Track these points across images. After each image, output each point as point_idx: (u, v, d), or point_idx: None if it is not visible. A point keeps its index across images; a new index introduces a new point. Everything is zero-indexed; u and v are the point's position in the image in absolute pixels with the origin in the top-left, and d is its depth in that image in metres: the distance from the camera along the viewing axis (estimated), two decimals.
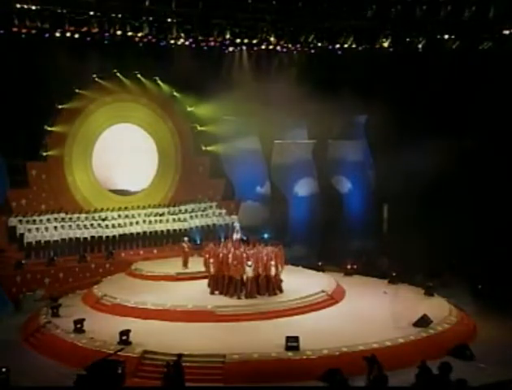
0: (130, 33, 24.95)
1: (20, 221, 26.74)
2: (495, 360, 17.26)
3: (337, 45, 27.74)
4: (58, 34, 24.36)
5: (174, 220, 29.99)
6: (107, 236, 28.14)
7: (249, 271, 21.51)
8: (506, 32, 25.40)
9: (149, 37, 25.68)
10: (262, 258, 21.93)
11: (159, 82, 30.78)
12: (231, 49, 29.17)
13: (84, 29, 24.25)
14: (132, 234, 28.78)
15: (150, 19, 24.72)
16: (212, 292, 22.25)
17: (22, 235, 26.45)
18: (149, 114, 31.01)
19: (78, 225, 27.71)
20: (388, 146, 28.87)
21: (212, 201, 32.06)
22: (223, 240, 25.26)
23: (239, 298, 21.53)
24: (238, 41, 27.03)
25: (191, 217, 30.41)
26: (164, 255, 28.09)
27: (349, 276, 26.13)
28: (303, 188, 34.18)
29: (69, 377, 14.29)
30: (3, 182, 26.54)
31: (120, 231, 28.51)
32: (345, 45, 27.48)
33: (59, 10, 23.29)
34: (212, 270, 22.36)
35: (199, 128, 32.14)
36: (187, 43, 26.79)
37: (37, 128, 27.63)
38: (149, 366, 16.92)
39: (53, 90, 26.91)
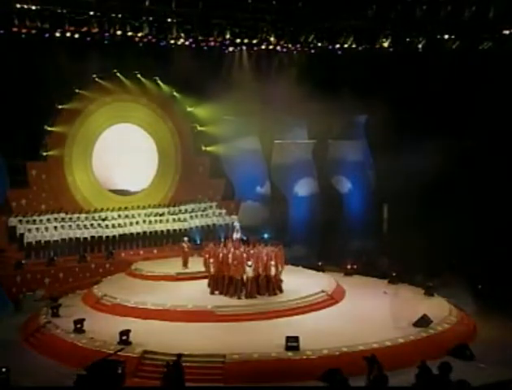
0: (130, 33, 24.99)
1: (20, 221, 26.74)
2: (495, 360, 17.25)
3: (337, 45, 27.79)
4: (58, 34, 24.40)
5: (174, 220, 29.99)
6: (107, 236, 28.14)
7: (249, 271, 21.50)
8: (506, 32, 25.44)
9: (149, 37, 25.71)
10: (262, 258, 21.92)
11: (159, 82, 30.78)
12: (231, 49, 29.21)
13: (84, 29, 24.30)
14: (132, 234, 28.78)
15: (150, 19, 24.75)
16: (212, 292, 22.25)
17: (22, 235, 26.45)
18: (149, 114, 31.02)
19: (78, 225, 27.71)
20: (388, 146, 28.84)
21: (212, 201, 32.06)
22: (223, 240, 25.26)
23: (239, 298, 21.51)
24: (238, 41, 27.09)
25: (191, 217, 30.42)
26: (164, 255, 28.08)
27: (349, 276, 26.11)
28: (303, 188, 34.19)
29: (69, 377, 14.27)
30: (3, 182, 26.54)
31: (120, 231, 28.51)
32: (345, 45, 27.52)
33: (59, 10, 23.34)
34: (212, 270, 22.36)
35: (199, 128, 32.15)
36: (187, 43, 26.83)
37: (37, 128, 27.64)
38: (149, 366, 16.91)
39: (53, 90, 26.91)
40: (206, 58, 28.60)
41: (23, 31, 23.66)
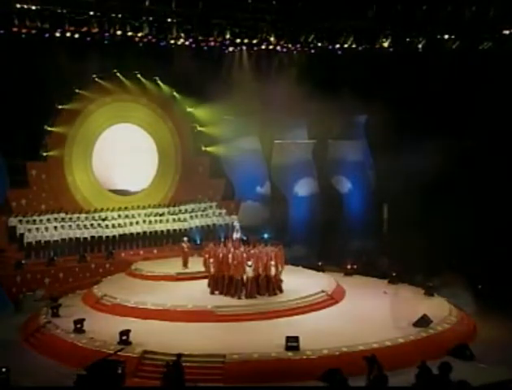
0: (130, 33, 24.99)
1: (20, 221, 26.75)
2: (495, 360, 17.24)
3: (337, 45, 27.79)
4: (58, 34, 24.39)
5: (174, 220, 30.00)
6: (107, 236, 28.15)
7: (249, 271, 21.49)
8: (506, 32, 25.43)
9: (149, 37, 25.71)
10: (262, 258, 21.91)
11: (159, 82, 30.77)
12: (231, 49, 29.18)
13: (84, 29, 24.30)
14: (132, 234, 28.79)
15: (150, 19, 24.76)
16: (212, 292, 22.24)
17: (22, 235, 26.45)
18: (149, 114, 31.02)
19: (78, 225, 27.71)
20: (388, 146, 28.83)
21: (212, 201, 32.06)
22: (223, 240, 25.26)
23: (239, 298, 21.50)
24: (238, 41, 27.09)
25: (191, 217, 30.42)
26: (164, 255, 28.08)
27: (349, 276, 26.10)
28: (303, 188, 34.18)
29: (69, 377, 14.28)
30: (3, 182, 26.54)
31: (120, 231, 28.52)
32: (345, 45, 27.53)
33: (59, 10, 23.35)
34: (212, 270, 22.35)
35: (199, 128, 32.15)
36: (187, 43, 26.82)
37: (37, 128, 27.64)
38: (149, 366, 16.90)
39: (53, 90, 26.91)
40: (206, 58, 28.59)
41: (23, 31, 23.66)
